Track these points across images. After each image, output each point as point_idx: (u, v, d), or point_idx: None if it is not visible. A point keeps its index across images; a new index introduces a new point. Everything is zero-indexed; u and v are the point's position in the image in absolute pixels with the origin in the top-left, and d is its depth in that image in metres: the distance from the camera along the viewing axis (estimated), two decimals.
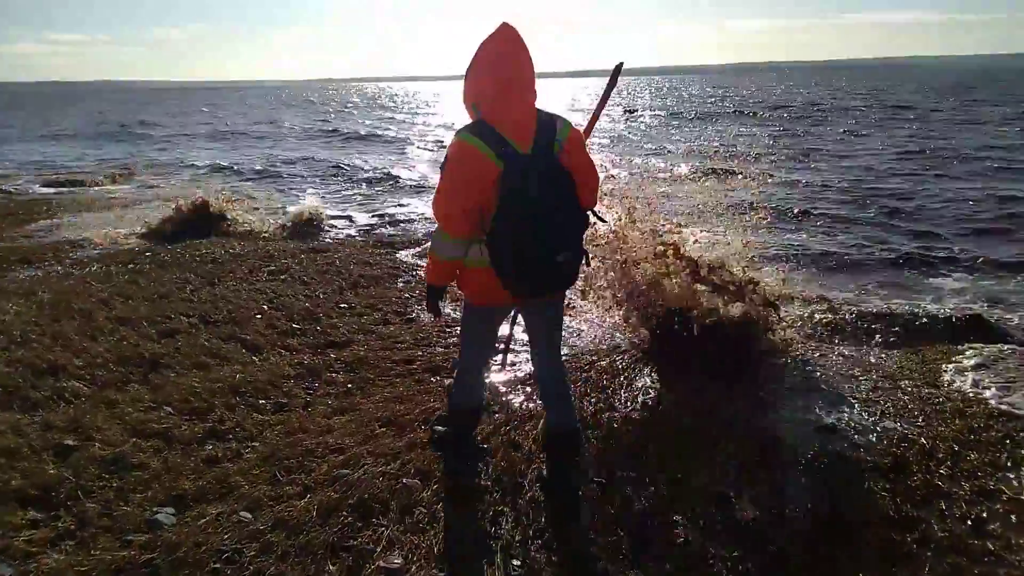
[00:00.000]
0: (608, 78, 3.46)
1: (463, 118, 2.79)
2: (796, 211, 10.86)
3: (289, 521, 2.81)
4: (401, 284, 6.56)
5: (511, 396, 4.06)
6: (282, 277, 6.77)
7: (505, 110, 2.62)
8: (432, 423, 3.61)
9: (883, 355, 5.03)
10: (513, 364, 4.37)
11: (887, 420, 3.84)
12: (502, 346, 3.52)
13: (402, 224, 10.58)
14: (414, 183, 15.25)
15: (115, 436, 3.48)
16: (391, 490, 3.04)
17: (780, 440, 3.57)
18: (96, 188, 14.40)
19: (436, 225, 2.74)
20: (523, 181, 2.51)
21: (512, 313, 3.04)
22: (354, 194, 14.11)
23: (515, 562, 2.66)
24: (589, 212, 2.81)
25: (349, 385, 4.25)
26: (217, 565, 2.60)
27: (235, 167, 18.97)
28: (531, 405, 3.90)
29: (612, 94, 3.44)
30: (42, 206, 11.21)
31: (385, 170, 17.34)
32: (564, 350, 4.13)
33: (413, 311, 5.71)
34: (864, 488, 3.13)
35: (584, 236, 2.77)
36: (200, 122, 41.65)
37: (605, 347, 4.86)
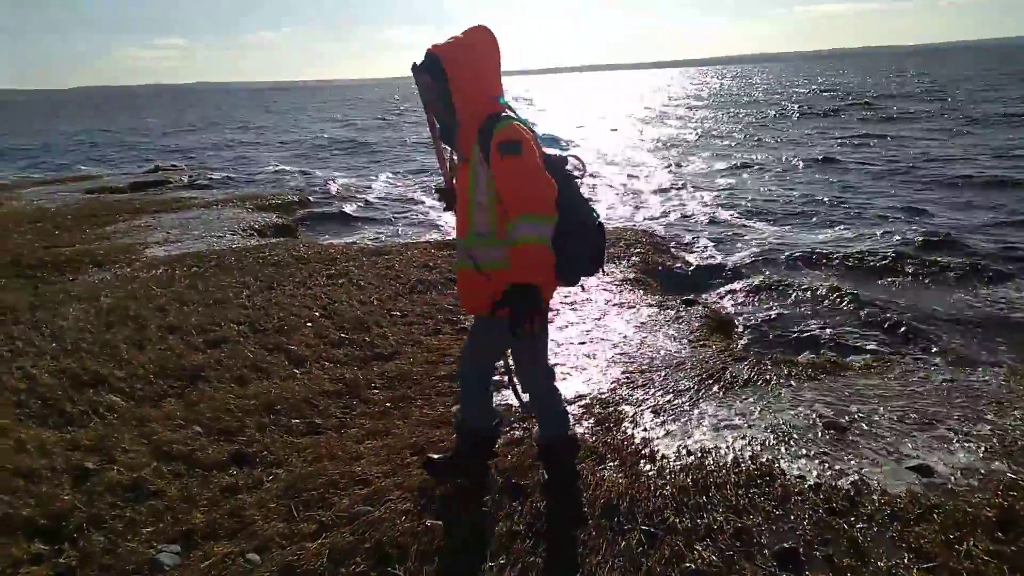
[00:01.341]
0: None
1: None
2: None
3: (297, 568, 2.56)
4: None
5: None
6: (339, 282, 6.61)
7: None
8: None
9: (987, 376, 4.40)
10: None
11: (994, 460, 3.28)
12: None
13: None
14: None
15: (138, 459, 3.34)
16: (412, 533, 2.74)
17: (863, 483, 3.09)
18: (175, 189, 14.82)
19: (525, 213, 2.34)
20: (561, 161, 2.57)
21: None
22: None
23: None
24: None
25: (387, 404, 4.00)
26: None
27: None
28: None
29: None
30: (124, 207, 11.54)
31: None
32: None
33: (466, 319, 5.41)
34: (962, 549, 2.62)
35: None
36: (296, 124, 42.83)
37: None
